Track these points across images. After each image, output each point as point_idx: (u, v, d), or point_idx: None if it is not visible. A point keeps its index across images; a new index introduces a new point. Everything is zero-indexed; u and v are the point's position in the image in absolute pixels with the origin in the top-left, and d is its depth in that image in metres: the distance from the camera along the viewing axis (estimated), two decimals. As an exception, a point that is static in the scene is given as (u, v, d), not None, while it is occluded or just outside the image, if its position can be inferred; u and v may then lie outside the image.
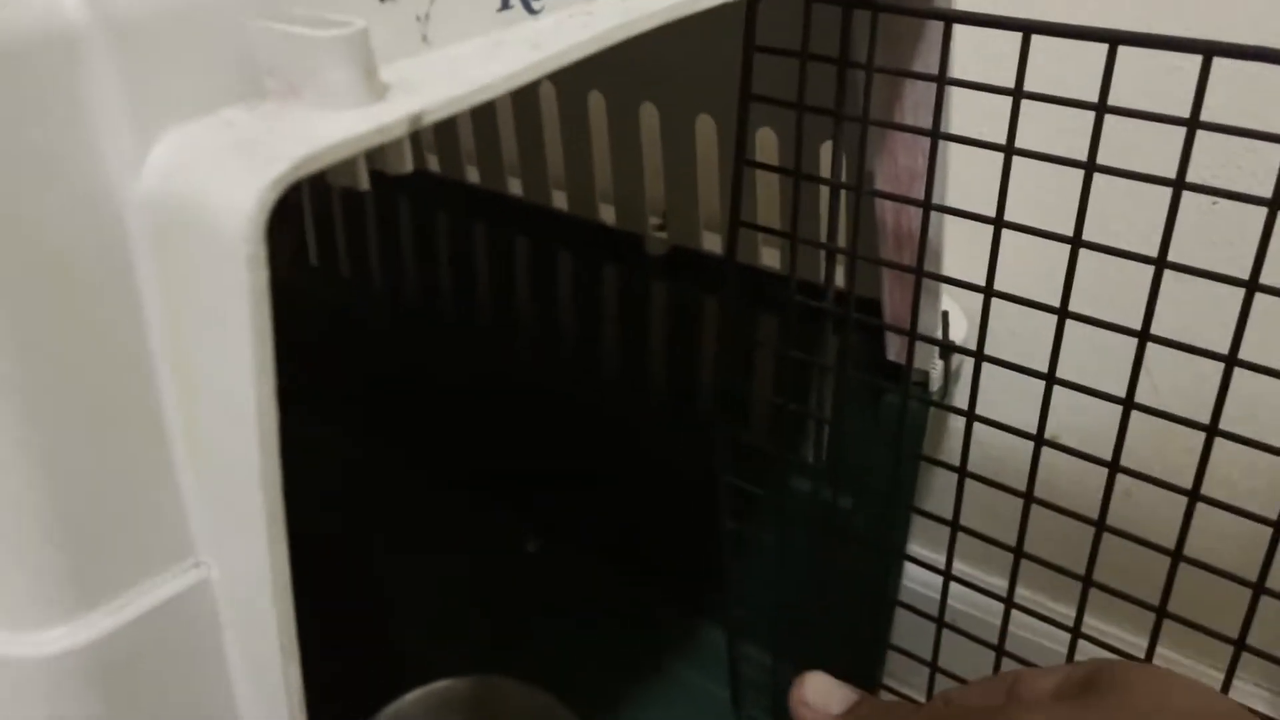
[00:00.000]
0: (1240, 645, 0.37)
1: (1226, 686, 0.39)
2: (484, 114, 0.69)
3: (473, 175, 0.73)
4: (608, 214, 0.67)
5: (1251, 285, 0.32)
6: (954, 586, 0.45)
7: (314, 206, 0.79)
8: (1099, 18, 0.39)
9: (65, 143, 0.19)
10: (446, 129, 0.73)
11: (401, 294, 0.73)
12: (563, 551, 0.66)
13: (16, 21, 0.19)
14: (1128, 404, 0.36)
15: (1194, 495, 0.36)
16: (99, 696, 0.22)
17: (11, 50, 0.18)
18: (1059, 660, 0.42)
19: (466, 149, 0.73)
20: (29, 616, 0.21)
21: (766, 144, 0.56)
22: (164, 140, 0.20)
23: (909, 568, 0.48)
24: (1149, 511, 0.43)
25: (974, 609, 0.50)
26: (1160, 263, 0.34)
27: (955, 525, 0.43)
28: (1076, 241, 0.35)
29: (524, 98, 0.66)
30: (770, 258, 0.60)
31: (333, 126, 0.19)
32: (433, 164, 0.75)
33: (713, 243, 0.63)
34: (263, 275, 0.18)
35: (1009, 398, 0.45)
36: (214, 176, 0.19)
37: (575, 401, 0.64)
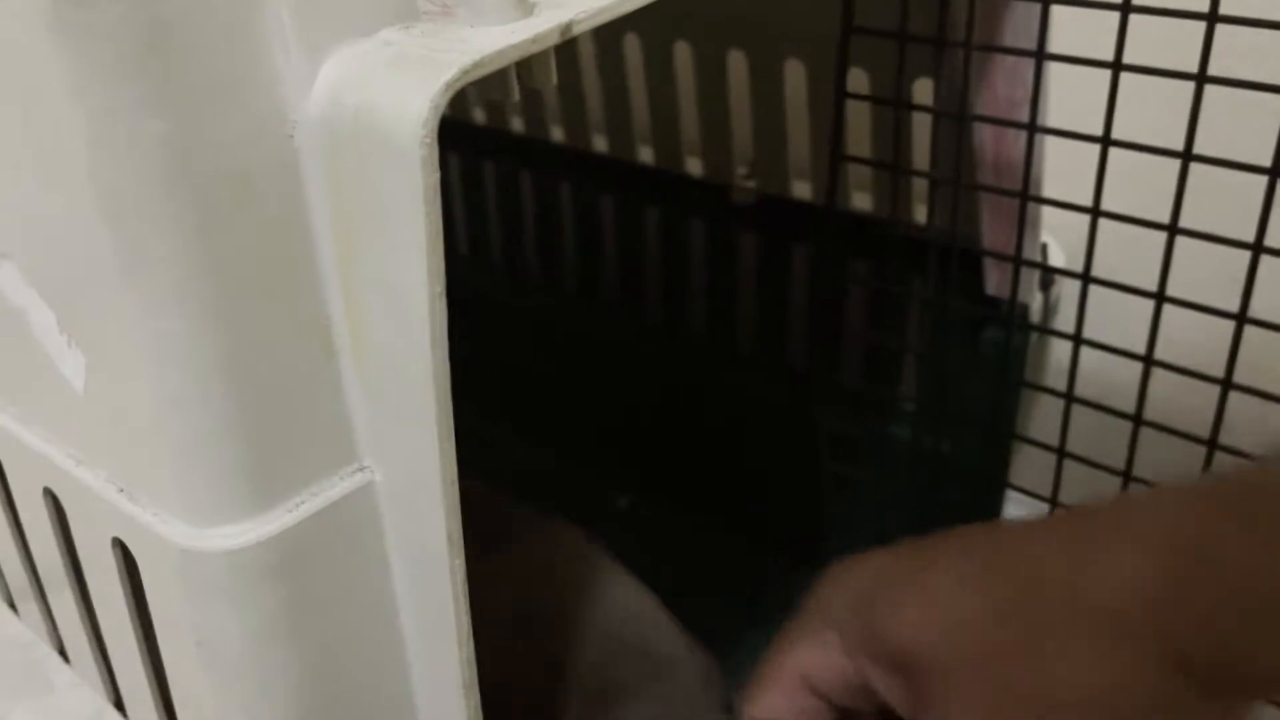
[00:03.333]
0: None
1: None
2: (568, 71, 0.70)
3: (557, 135, 0.74)
4: (694, 166, 0.67)
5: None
6: (1060, 516, 0.45)
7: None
8: None
9: (247, 67, 0.21)
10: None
11: (486, 254, 0.75)
12: (655, 507, 0.67)
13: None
14: (1240, 319, 0.36)
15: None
16: (275, 589, 0.24)
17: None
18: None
19: (551, 107, 0.74)
20: (216, 513, 0.23)
21: (857, 83, 0.56)
22: (331, 60, 0.21)
23: (1014, 503, 0.48)
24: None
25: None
26: (1275, 172, 0.34)
27: (1061, 452, 0.43)
28: (1187, 156, 0.35)
29: (608, 52, 0.67)
30: (861, 201, 0.60)
31: (491, 38, 0.20)
32: (517, 125, 0.77)
33: (802, 190, 0.64)
34: (435, 177, 0.19)
35: (1108, 330, 0.45)
36: (385, 88, 0.20)
37: (663, 357, 0.64)
